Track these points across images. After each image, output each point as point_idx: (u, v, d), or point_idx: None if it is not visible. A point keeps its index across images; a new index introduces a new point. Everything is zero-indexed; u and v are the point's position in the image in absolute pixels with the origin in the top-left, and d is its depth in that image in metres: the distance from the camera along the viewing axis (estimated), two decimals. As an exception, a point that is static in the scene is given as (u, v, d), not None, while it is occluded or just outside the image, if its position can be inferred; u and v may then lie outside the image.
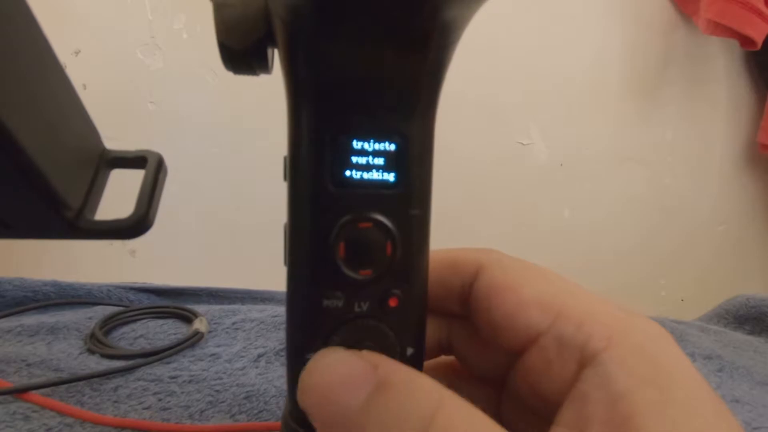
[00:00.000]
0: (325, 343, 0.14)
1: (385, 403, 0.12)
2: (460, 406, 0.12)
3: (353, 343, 0.14)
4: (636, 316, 0.14)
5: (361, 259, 0.14)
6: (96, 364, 0.32)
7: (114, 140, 0.21)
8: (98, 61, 0.69)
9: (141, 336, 0.36)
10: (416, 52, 0.13)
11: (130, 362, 0.31)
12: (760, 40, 0.86)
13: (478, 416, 0.12)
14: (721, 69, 1.03)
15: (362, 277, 0.14)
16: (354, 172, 0.14)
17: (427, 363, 0.19)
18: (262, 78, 0.16)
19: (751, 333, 0.48)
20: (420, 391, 0.13)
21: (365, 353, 0.14)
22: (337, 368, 0.13)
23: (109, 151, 0.18)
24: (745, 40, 0.87)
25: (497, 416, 0.17)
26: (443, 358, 0.19)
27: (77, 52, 0.68)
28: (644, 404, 0.12)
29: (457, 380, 0.19)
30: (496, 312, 0.15)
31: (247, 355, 0.34)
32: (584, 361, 0.13)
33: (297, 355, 0.15)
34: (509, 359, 0.16)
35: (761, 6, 0.84)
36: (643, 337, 0.14)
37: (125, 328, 0.38)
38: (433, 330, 0.17)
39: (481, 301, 0.16)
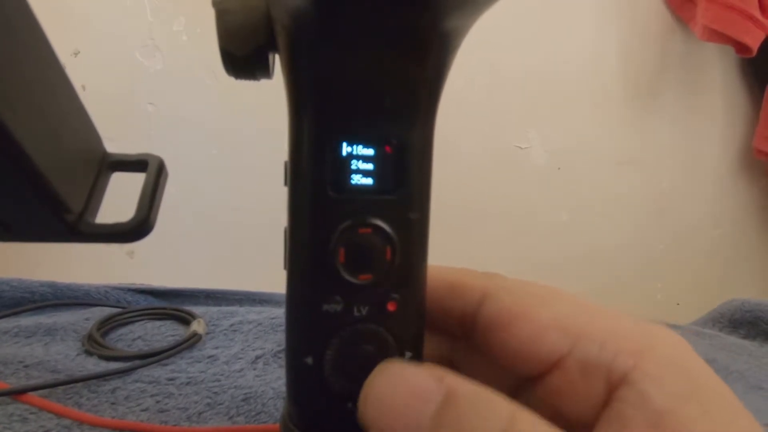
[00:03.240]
0: (325, 346, 0.14)
1: (457, 416, 0.12)
2: (533, 419, 0.12)
3: (353, 347, 0.14)
4: (655, 328, 0.14)
5: (360, 264, 0.14)
6: (93, 365, 0.32)
7: (113, 141, 0.21)
8: (98, 63, 0.69)
9: (139, 337, 0.36)
10: (417, 60, 0.13)
11: (127, 364, 0.31)
12: (755, 47, 0.87)
13: (552, 430, 0.12)
14: (717, 75, 1.03)
15: (362, 282, 0.14)
16: (354, 177, 0.14)
17: None
18: (263, 81, 0.16)
19: (745, 337, 0.48)
20: (491, 402, 0.12)
21: (427, 365, 0.13)
22: (404, 380, 0.13)
23: (110, 155, 0.18)
24: (740, 47, 0.88)
25: None
26: None
27: (76, 53, 0.68)
28: (687, 421, 0.12)
29: None
30: (512, 340, 0.15)
31: (245, 356, 0.34)
32: (613, 380, 0.13)
33: (296, 359, 0.15)
34: (520, 381, 0.15)
35: (756, 13, 0.85)
36: (669, 350, 0.13)
37: (123, 330, 0.38)
38: (433, 347, 0.17)
39: (492, 330, 0.15)
